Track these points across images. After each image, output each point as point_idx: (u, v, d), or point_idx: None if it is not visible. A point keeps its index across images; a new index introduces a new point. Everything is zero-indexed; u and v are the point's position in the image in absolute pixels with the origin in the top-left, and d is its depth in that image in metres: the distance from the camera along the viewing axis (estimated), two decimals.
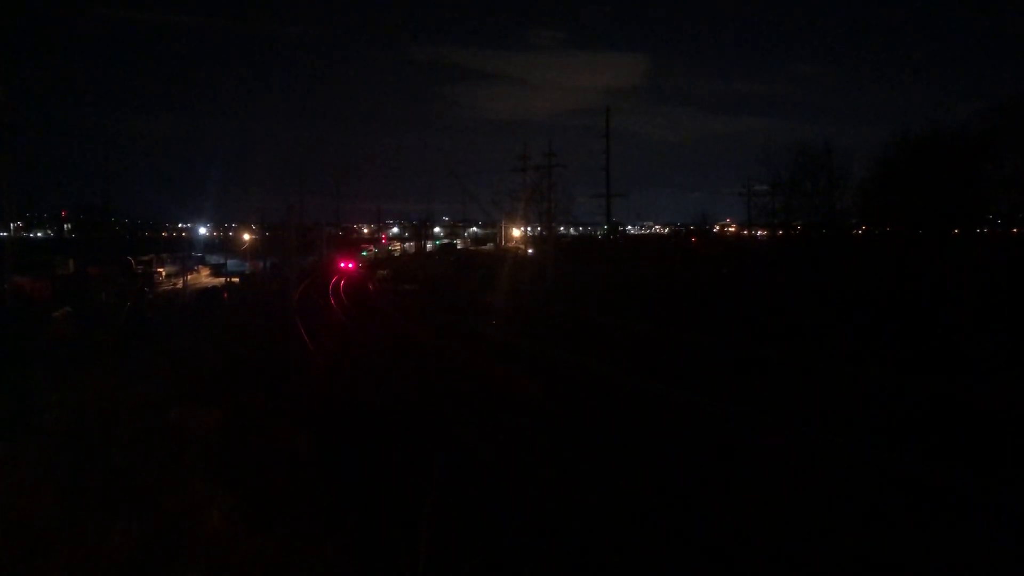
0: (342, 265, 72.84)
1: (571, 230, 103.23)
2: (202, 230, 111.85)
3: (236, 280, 67.43)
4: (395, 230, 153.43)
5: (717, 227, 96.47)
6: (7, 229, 52.89)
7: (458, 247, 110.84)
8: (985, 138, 31.53)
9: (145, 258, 74.43)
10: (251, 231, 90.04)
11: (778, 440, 17.19)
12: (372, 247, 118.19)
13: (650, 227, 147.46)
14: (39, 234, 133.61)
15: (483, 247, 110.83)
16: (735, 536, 11.89)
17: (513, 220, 72.71)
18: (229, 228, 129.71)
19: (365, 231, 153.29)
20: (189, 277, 71.29)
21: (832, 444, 16.47)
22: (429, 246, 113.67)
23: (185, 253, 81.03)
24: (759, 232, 63.95)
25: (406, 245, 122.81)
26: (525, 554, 10.81)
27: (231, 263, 79.25)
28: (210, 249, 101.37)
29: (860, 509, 12.96)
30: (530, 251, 66.91)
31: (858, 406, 19.04)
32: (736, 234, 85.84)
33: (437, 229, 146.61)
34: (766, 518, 12.43)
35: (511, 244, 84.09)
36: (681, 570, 11.00)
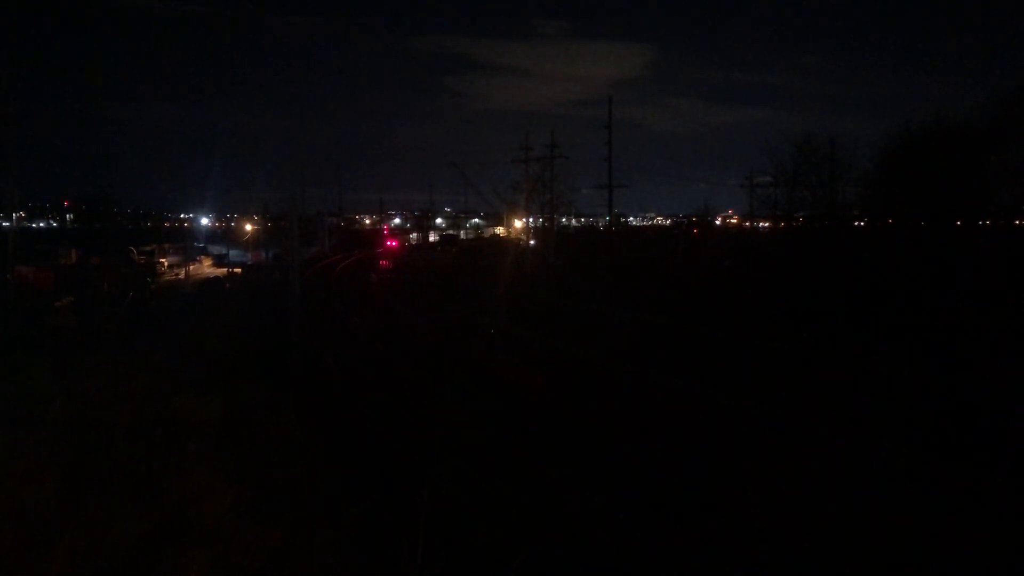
0: (389, 243, 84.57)
1: (573, 221, 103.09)
2: (204, 220, 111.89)
3: (238, 270, 67.48)
4: (397, 221, 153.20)
5: (720, 218, 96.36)
6: (10, 219, 52.91)
7: (460, 238, 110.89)
8: (988, 130, 31.38)
9: (147, 248, 74.43)
10: (253, 222, 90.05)
11: (771, 430, 17.24)
12: (418, 234, 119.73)
13: (652, 218, 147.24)
14: (41, 224, 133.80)
15: (485, 238, 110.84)
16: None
17: (515, 211, 72.61)
18: (231, 219, 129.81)
19: (367, 221, 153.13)
20: (191, 267, 71.37)
21: (835, 439, 16.47)
22: (432, 236, 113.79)
23: (187, 243, 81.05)
24: (761, 224, 63.89)
25: (410, 236, 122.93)
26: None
27: (233, 253, 79.34)
28: (212, 240, 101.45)
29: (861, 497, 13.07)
30: (532, 242, 66.89)
31: (859, 399, 19.02)
32: (738, 225, 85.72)
33: (439, 220, 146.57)
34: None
35: (513, 235, 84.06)
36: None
